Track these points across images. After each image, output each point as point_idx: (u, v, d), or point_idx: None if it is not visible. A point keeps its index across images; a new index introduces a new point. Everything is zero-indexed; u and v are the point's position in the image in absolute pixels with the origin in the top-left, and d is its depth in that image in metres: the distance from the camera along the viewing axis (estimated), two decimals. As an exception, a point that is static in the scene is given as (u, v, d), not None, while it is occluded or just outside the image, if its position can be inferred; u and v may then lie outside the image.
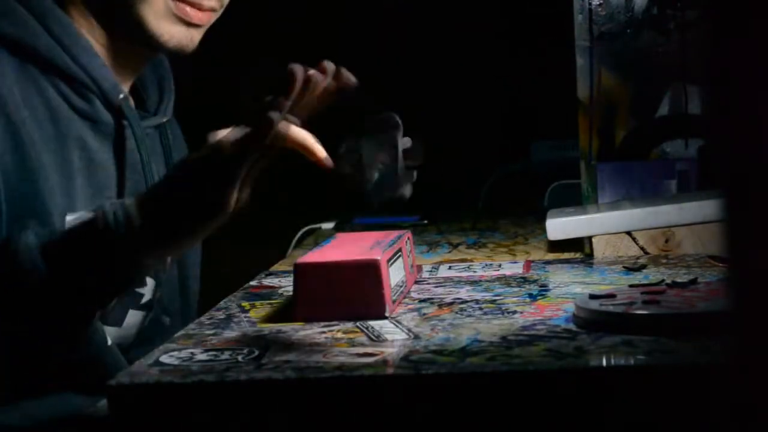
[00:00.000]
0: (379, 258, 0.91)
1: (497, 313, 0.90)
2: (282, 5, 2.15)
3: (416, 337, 0.82)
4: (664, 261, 1.15)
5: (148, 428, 0.72)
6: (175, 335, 0.87)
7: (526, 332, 0.81)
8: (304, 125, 0.92)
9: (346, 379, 0.71)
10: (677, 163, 1.39)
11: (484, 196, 1.78)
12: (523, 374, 0.70)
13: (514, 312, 0.90)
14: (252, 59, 2.03)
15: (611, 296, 0.87)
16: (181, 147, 1.28)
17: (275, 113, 0.86)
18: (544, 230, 1.29)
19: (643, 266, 1.10)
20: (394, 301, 0.93)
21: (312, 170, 0.91)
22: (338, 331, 0.86)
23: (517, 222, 1.61)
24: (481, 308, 0.92)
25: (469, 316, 0.89)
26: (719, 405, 0.40)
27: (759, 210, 0.38)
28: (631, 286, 0.94)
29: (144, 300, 1.14)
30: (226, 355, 0.78)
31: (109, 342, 1.06)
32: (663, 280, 0.97)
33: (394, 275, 0.96)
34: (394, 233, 1.06)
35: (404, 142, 0.89)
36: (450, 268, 1.18)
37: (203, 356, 0.78)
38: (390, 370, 0.74)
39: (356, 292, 0.90)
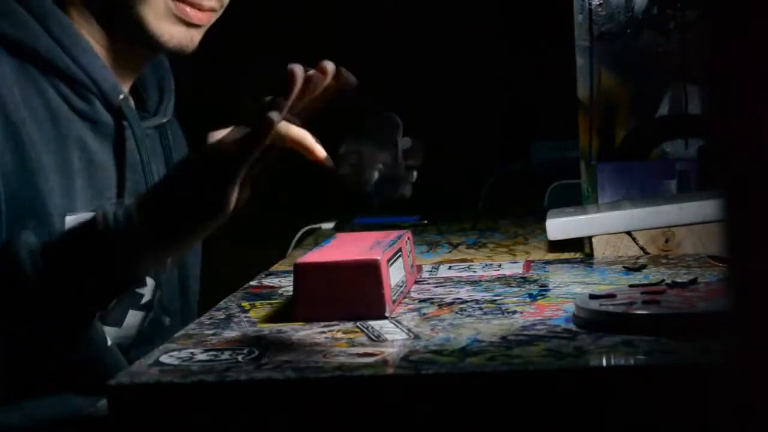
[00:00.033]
0: (379, 258, 0.91)
1: (497, 313, 0.90)
2: (282, 5, 2.15)
3: (416, 337, 0.82)
4: (664, 261, 1.15)
5: (148, 428, 0.72)
6: (175, 335, 0.87)
7: (526, 332, 0.81)
8: (304, 125, 0.92)
9: (346, 379, 0.71)
10: (677, 163, 1.39)
11: (484, 196, 1.78)
12: (523, 374, 0.70)
13: (514, 312, 0.90)
14: (252, 59, 2.03)
15: (611, 296, 0.87)
16: (182, 147, 1.28)
17: (275, 113, 0.86)
18: (544, 230, 1.29)
19: (643, 266, 1.10)
20: (394, 301, 0.93)
21: (312, 170, 0.91)
22: (338, 331, 0.86)
23: (517, 222, 1.61)
24: (481, 308, 0.92)
25: (469, 316, 0.89)
26: (719, 405, 0.40)
27: (759, 210, 0.38)
28: (631, 286, 0.94)
29: (144, 300, 1.14)
30: (226, 355, 0.78)
31: (109, 342, 1.06)
32: (663, 280, 0.97)
33: (394, 275, 0.96)
34: (394, 233, 1.06)
35: (404, 142, 0.89)
36: (450, 268, 1.18)
37: (203, 356, 0.78)
38: (390, 370, 0.74)
39: (356, 292, 0.90)
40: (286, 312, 0.94)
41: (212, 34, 1.13)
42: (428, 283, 1.07)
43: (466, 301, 0.96)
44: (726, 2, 0.39)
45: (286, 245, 1.65)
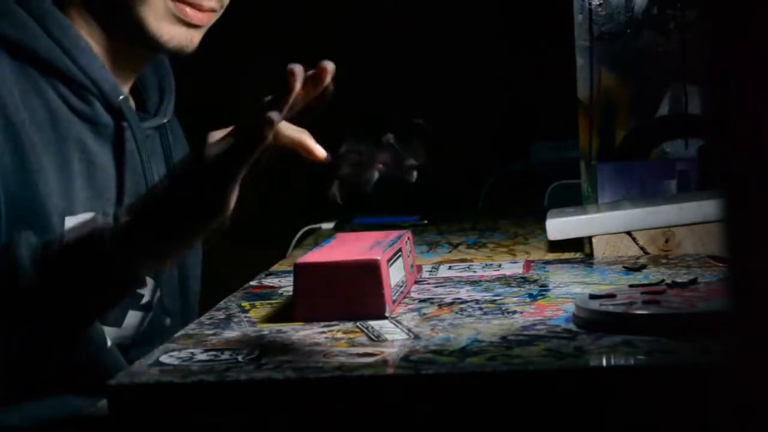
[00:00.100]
0: (379, 258, 0.91)
1: (497, 313, 0.90)
2: (282, 5, 2.15)
3: (416, 337, 0.82)
4: (664, 261, 1.15)
5: (148, 428, 0.72)
6: (175, 335, 0.87)
7: (526, 332, 0.81)
8: (304, 125, 0.92)
9: (346, 379, 0.71)
10: (677, 163, 1.39)
11: (484, 196, 1.78)
12: (523, 374, 0.70)
13: (514, 312, 0.90)
14: (252, 59, 2.03)
15: (611, 296, 0.87)
16: (183, 147, 1.28)
17: (275, 113, 0.86)
18: (544, 230, 1.29)
19: (643, 266, 1.10)
20: (394, 301, 0.93)
21: (312, 170, 0.91)
22: (338, 331, 0.86)
23: (517, 222, 1.61)
24: (481, 308, 0.92)
25: (469, 316, 0.89)
26: (719, 405, 0.40)
27: (759, 210, 0.38)
28: (631, 286, 0.94)
29: (144, 300, 1.14)
30: (226, 355, 0.78)
31: (109, 343, 1.06)
32: (663, 280, 0.97)
33: (394, 275, 0.96)
34: (394, 233, 1.06)
35: (387, 139, 0.89)
36: (450, 268, 1.18)
37: (203, 356, 0.78)
38: (390, 370, 0.74)
39: (356, 292, 0.90)
40: (286, 312, 0.94)
41: (212, 34, 1.13)
42: (428, 283, 1.07)
43: (466, 301, 0.96)
44: (726, 2, 0.39)
45: (286, 245, 1.65)
